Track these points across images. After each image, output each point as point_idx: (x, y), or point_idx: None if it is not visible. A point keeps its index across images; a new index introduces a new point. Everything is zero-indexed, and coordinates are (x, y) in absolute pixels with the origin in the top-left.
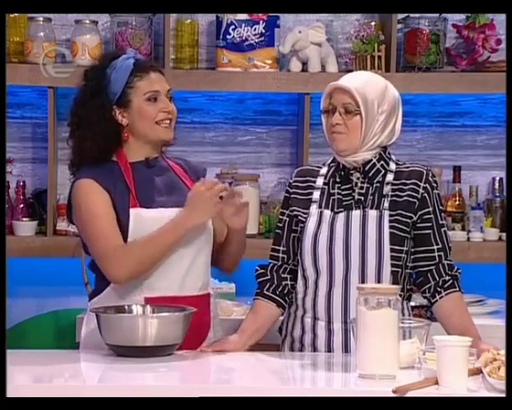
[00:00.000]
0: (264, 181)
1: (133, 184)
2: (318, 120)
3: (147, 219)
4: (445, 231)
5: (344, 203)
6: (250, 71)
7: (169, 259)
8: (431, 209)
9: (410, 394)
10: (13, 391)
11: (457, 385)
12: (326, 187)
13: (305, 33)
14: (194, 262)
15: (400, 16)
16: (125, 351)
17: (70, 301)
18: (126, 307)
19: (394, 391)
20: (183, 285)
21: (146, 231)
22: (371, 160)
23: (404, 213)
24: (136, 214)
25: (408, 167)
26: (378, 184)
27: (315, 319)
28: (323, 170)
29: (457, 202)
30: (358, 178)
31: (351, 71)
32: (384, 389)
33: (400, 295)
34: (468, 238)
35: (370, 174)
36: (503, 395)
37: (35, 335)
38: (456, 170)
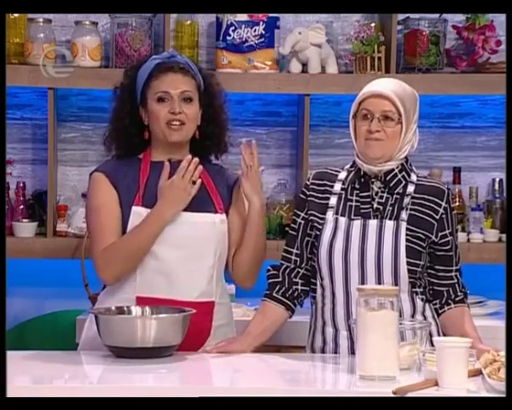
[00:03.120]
0: (264, 182)
1: (145, 183)
2: (318, 122)
3: None
4: (459, 252)
5: (361, 211)
6: (250, 72)
7: (167, 264)
8: (450, 231)
9: (410, 395)
10: (13, 392)
11: (457, 386)
12: (343, 192)
13: (305, 34)
14: (193, 270)
15: (400, 17)
16: (125, 352)
17: (70, 303)
18: (125, 309)
19: (394, 392)
20: (177, 290)
21: None
22: (393, 169)
23: (422, 230)
24: (136, 213)
25: (428, 182)
26: (398, 196)
27: (336, 329)
28: (342, 175)
29: (457, 203)
30: (380, 188)
31: (351, 72)
32: (384, 390)
33: (422, 299)
34: (468, 239)
35: (391, 184)
36: (503, 395)
37: (35, 336)
38: (456, 171)
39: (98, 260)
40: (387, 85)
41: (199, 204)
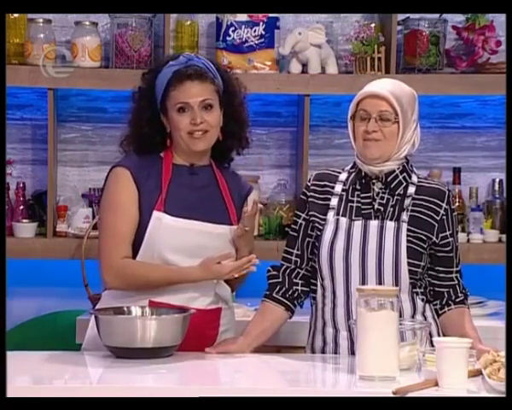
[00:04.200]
0: (264, 183)
1: (167, 186)
2: (318, 122)
3: (165, 226)
4: (459, 253)
5: (362, 212)
6: (250, 72)
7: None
8: (451, 232)
9: (410, 395)
10: (13, 392)
11: (457, 387)
12: (344, 194)
13: (305, 35)
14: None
15: (400, 18)
16: (124, 353)
17: (70, 303)
18: (125, 309)
19: (394, 393)
20: (190, 298)
21: (161, 236)
22: (394, 170)
23: (422, 231)
24: (157, 219)
25: (429, 183)
26: (399, 197)
27: (336, 329)
28: (342, 176)
29: (457, 204)
30: (381, 189)
31: (351, 72)
32: (384, 391)
33: (422, 300)
34: (468, 240)
35: (392, 185)
36: (503, 396)
37: (35, 336)
38: (456, 171)
39: (111, 268)
40: (384, 86)
41: (216, 215)
